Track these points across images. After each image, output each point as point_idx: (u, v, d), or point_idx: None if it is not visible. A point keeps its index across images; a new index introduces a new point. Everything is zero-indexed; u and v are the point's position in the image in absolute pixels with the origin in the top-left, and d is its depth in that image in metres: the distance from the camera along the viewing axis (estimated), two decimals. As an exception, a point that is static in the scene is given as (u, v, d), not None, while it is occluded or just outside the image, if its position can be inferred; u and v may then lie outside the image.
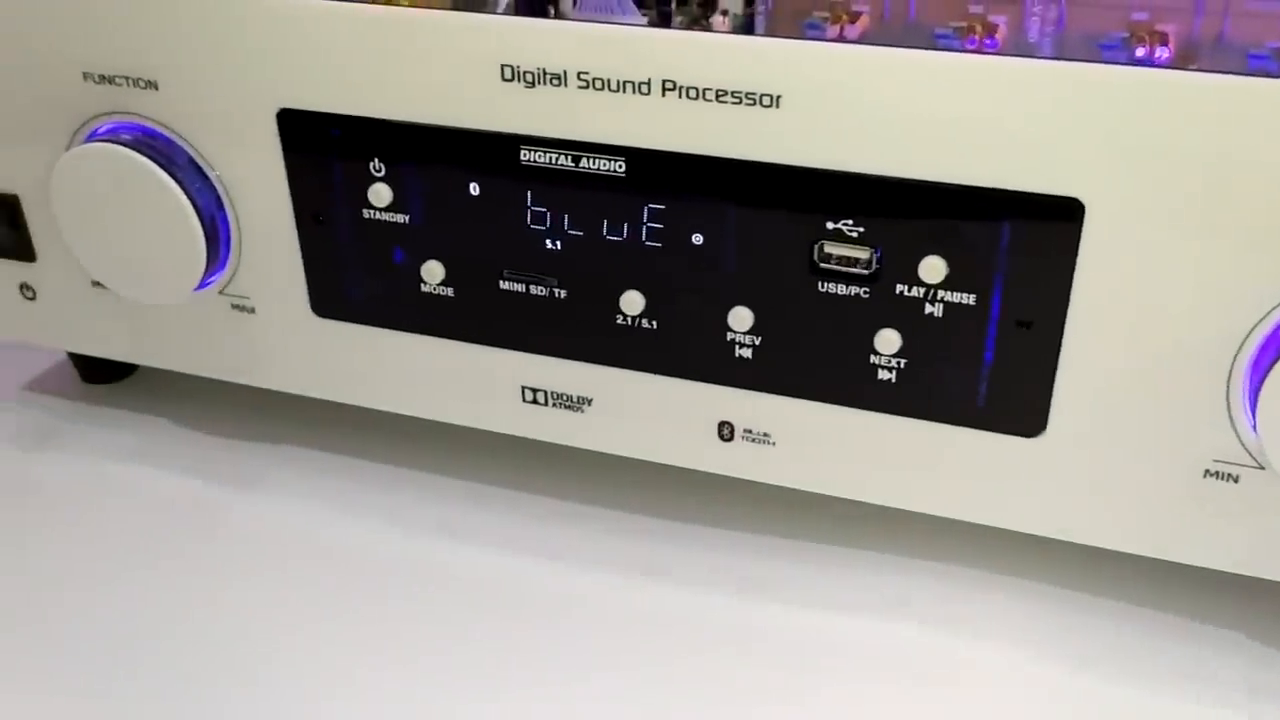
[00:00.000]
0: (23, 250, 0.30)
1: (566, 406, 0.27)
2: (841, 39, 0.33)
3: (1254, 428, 0.21)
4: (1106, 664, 0.24)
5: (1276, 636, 0.24)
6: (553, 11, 0.39)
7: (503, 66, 0.23)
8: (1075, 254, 0.21)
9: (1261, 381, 0.21)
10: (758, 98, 0.22)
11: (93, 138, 0.27)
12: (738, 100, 0.22)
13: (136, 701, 0.23)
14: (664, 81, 0.22)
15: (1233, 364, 0.21)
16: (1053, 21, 0.31)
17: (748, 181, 0.23)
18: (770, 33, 0.33)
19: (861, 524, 0.27)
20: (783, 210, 0.23)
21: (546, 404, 0.27)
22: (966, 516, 0.24)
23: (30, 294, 0.30)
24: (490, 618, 0.25)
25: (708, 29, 0.38)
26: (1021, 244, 0.22)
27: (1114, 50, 0.31)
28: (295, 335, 0.28)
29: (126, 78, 0.26)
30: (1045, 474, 0.23)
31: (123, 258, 0.28)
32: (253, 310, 0.28)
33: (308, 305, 0.28)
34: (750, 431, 0.25)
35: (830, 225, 0.23)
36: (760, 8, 0.34)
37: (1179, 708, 0.23)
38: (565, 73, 0.23)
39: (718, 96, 0.22)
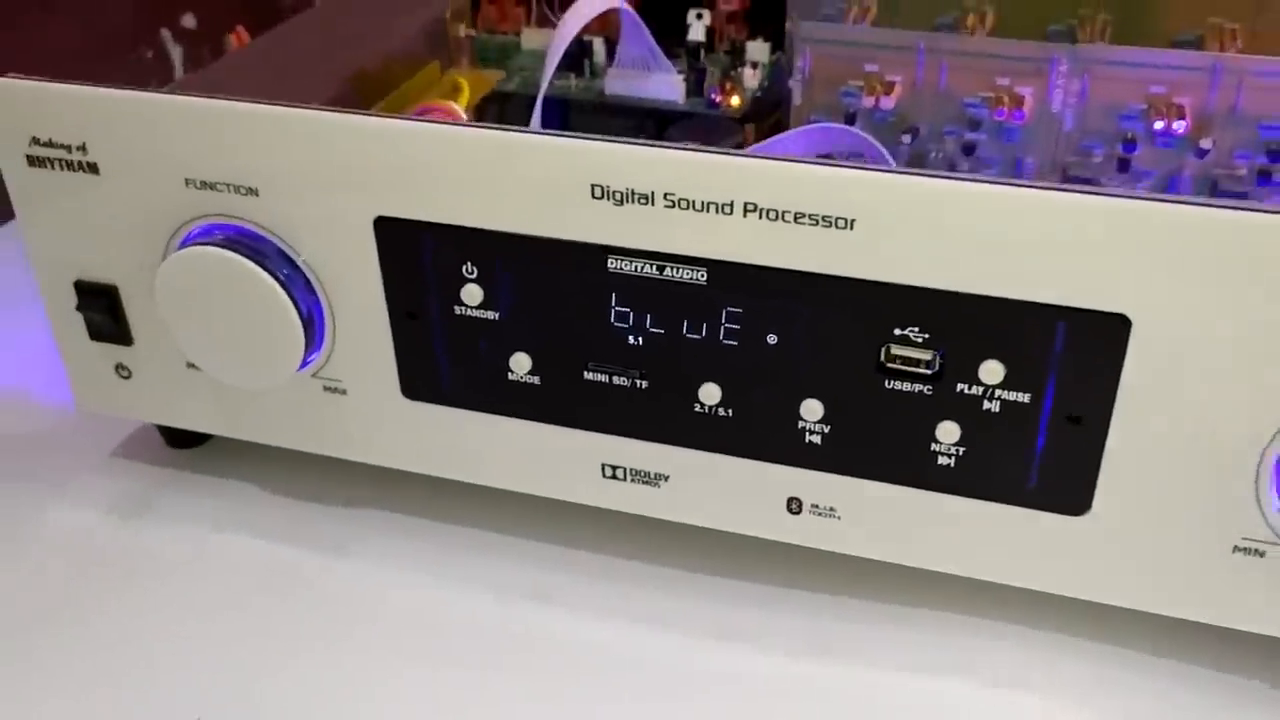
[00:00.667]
0: (121, 335, 0.31)
1: (644, 482, 0.29)
2: (878, 108, 0.35)
3: (1278, 510, 0.24)
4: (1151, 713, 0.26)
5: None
6: (588, 65, 0.41)
7: (593, 186, 0.25)
8: (1121, 362, 0.24)
9: (1289, 473, 0.23)
10: (833, 220, 0.24)
11: (193, 239, 0.29)
12: (814, 222, 0.24)
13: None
14: (746, 204, 0.24)
15: (1260, 459, 0.24)
16: (1075, 94, 0.34)
17: (821, 290, 0.25)
18: (807, 99, 0.36)
19: (923, 587, 0.29)
20: (853, 316, 0.25)
21: (625, 479, 0.29)
22: (1017, 583, 0.27)
23: (126, 373, 0.32)
24: (575, 677, 0.28)
25: (739, 80, 0.40)
26: (1074, 352, 0.24)
27: (1133, 121, 0.34)
28: (385, 416, 0.30)
29: (229, 184, 0.28)
30: (1090, 547, 0.26)
31: (223, 348, 0.29)
32: (345, 392, 0.30)
33: (399, 389, 0.30)
34: (817, 506, 0.28)
35: (897, 331, 0.25)
36: (798, 76, 0.36)
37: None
38: (653, 193, 0.25)
39: (796, 219, 0.24)
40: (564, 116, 0.39)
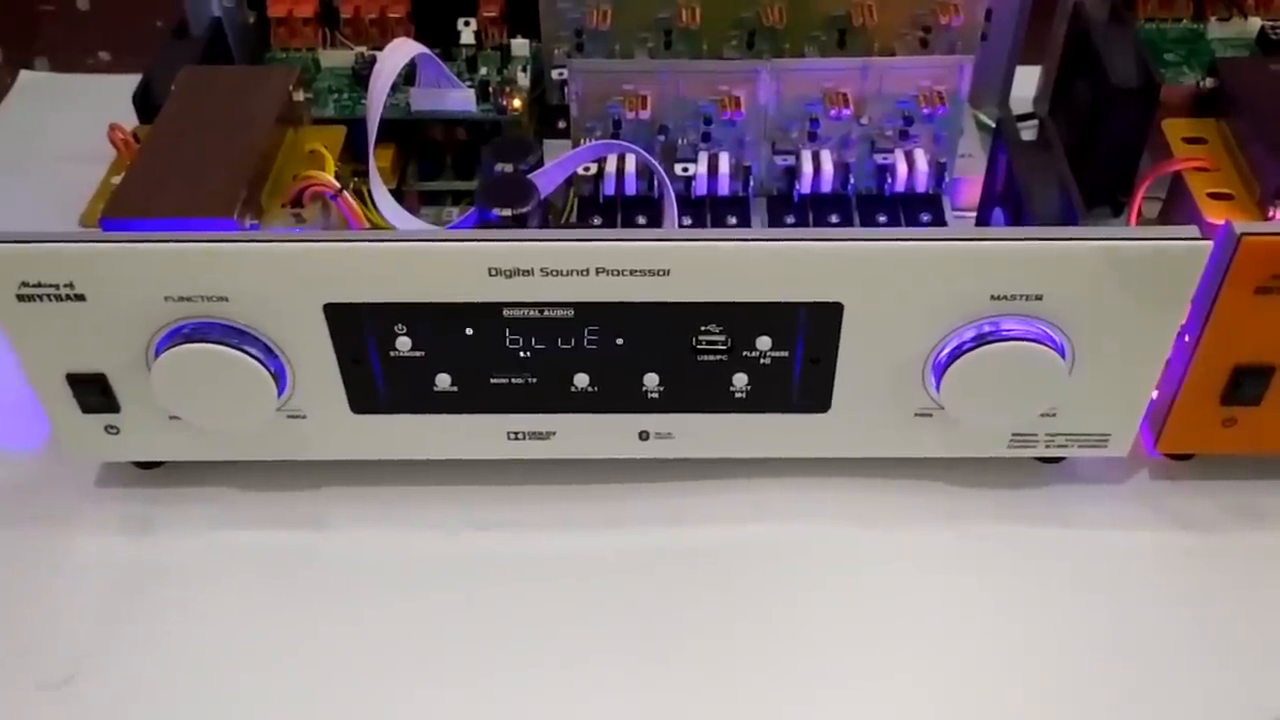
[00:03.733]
0: (109, 407, 0.40)
1: (538, 438, 0.42)
2: (637, 117, 0.47)
3: (936, 391, 0.40)
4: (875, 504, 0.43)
5: (961, 487, 0.44)
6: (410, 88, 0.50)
7: (489, 268, 0.37)
8: (840, 327, 0.38)
9: (942, 371, 0.39)
10: (655, 271, 0.37)
11: (174, 335, 0.38)
12: (643, 274, 0.37)
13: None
14: (597, 268, 0.37)
15: (924, 364, 0.39)
16: (774, 92, 0.47)
17: (652, 310, 0.38)
18: (583, 112, 0.47)
19: (731, 471, 0.44)
20: (673, 323, 0.38)
21: (524, 439, 0.42)
22: (791, 455, 0.42)
23: (115, 431, 0.41)
24: (521, 575, 0.41)
25: (514, 82, 0.50)
26: (812, 324, 0.38)
27: (815, 106, 0.47)
28: (338, 427, 0.41)
29: (202, 296, 0.37)
30: (832, 428, 0.41)
31: (209, 408, 0.39)
32: (304, 416, 0.41)
33: (348, 409, 0.41)
34: (659, 434, 0.41)
35: (702, 328, 0.38)
36: (574, 97, 0.47)
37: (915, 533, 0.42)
38: (533, 268, 0.37)
39: (631, 273, 0.37)
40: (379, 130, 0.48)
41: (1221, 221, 0.37)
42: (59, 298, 0.37)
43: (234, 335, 0.38)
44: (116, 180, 0.41)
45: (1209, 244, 0.35)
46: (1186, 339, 0.39)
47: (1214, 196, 0.40)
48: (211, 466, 0.44)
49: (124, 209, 0.38)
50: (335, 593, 0.41)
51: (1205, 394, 0.40)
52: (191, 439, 0.41)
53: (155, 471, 0.44)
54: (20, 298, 0.37)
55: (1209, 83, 0.45)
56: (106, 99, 0.49)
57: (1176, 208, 0.43)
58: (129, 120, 0.46)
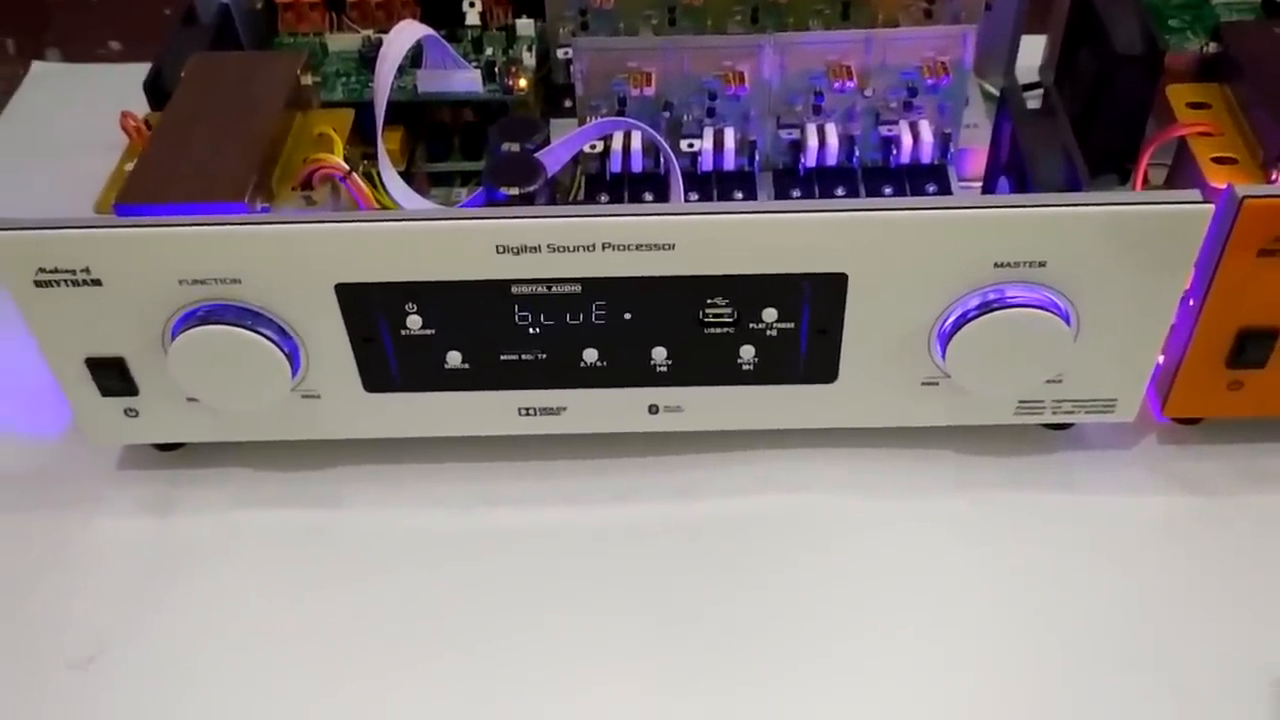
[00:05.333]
0: (128, 390, 0.41)
1: (549, 414, 0.42)
2: (642, 94, 0.47)
3: (942, 359, 0.40)
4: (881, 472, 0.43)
5: (969, 454, 0.44)
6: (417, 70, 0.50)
7: (496, 246, 0.37)
8: (845, 297, 0.38)
9: (948, 339, 0.39)
10: (661, 245, 0.37)
11: (190, 318, 0.39)
12: (649, 248, 0.37)
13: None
14: (603, 243, 0.37)
15: (930, 333, 0.39)
16: (778, 66, 0.47)
17: (658, 285, 0.38)
18: (588, 91, 0.47)
19: (742, 442, 0.44)
20: (679, 296, 0.39)
21: (535, 415, 0.42)
22: (799, 426, 0.43)
23: (134, 414, 0.42)
24: (527, 549, 0.42)
25: (520, 62, 0.51)
26: (817, 295, 0.38)
27: (819, 79, 0.47)
28: (352, 406, 0.42)
29: (216, 278, 0.38)
30: (840, 398, 0.41)
31: (225, 389, 0.40)
32: (319, 396, 0.41)
33: (361, 387, 0.41)
34: (669, 407, 0.42)
35: (708, 301, 0.39)
36: (579, 75, 0.47)
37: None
38: (540, 245, 0.37)
39: (637, 247, 0.37)
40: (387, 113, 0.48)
41: (1224, 185, 0.37)
42: (76, 283, 0.38)
43: (248, 317, 0.38)
44: (129, 167, 0.42)
45: (1211, 207, 0.36)
46: (1191, 303, 0.39)
47: (1218, 161, 0.40)
48: (229, 448, 0.45)
49: (137, 195, 0.39)
50: (353, 569, 0.41)
51: (1210, 358, 0.40)
52: (209, 420, 0.42)
53: (174, 453, 0.45)
54: (38, 283, 0.38)
55: (1213, 47, 0.45)
56: (118, 87, 0.49)
57: (1181, 173, 0.43)
58: (140, 108, 0.46)
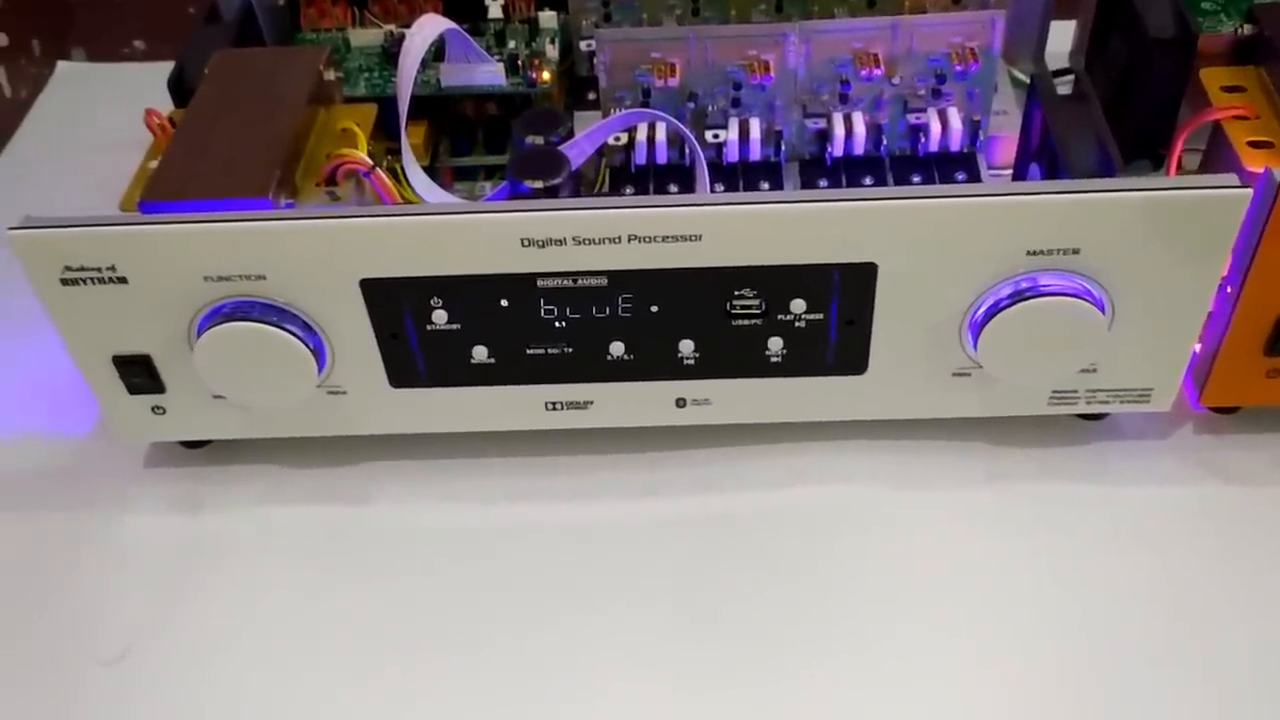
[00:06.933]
0: (155, 388, 0.41)
1: (576, 408, 0.42)
2: (666, 84, 0.47)
3: (974, 349, 0.39)
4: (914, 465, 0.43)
5: (1002, 446, 0.44)
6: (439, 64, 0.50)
7: (521, 239, 0.37)
8: (874, 288, 0.38)
9: (979, 329, 0.38)
10: (687, 236, 0.37)
11: (215, 314, 0.38)
12: (675, 239, 0.37)
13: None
14: (629, 235, 0.37)
15: (961, 323, 0.39)
16: (803, 55, 0.47)
17: (685, 276, 0.38)
18: (611, 82, 0.47)
19: (770, 435, 0.44)
20: (706, 288, 0.38)
21: (562, 409, 0.42)
22: (829, 418, 0.42)
23: (161, 411, 0.42)
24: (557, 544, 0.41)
25: (542, 54, 0.51)
26: (846, 286, 0.38)
27: (845, 67, 0.47)
28: (378, 402, 0.41)
29: (241, 275, 0.38)
30: (870, 390, 0.41)
31: (251, 386, 0.40)
32: (345, 392, 0.41)
33: (387, 383, 0.41)
34: (696, 400, 0.41)
35: (736, 292, 0.38)
36: (602, 67, 0.47)
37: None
38: (565, 238, 0.37)
39: (663, 239, 0.37)
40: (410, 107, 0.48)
41: (1262, 169, 0.36)
42: (102, 280, 0.38)
43: (273, 313, 0.38)
44: (154, 164, 0.42)
45: (1249, 192, 0.35)
46: (1229, 290, 0.38)
47: (1254, 145, 0.40)
48: (256, 444, 0.44)
49: (162, 192, 0.39)
50: (379, 565, 0.41)
51: (1249, 346, 0.39)
52: (236, 417, 0.42)
53: (201, 450, 0.45)
54: (64, 282, 0.38)
55: (1247, 29, 0.45)
56: (142, 86, 0.49)
57: (1217, 158, 0.42)
58: (164, 106, 0.46)
